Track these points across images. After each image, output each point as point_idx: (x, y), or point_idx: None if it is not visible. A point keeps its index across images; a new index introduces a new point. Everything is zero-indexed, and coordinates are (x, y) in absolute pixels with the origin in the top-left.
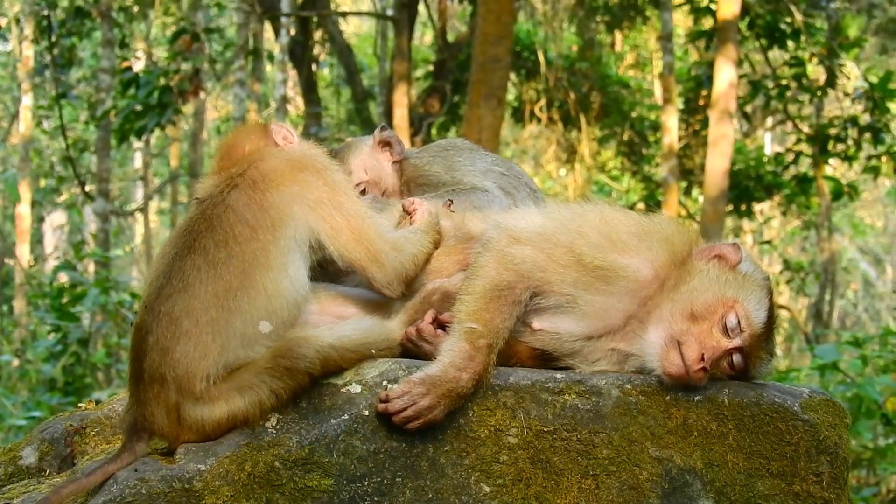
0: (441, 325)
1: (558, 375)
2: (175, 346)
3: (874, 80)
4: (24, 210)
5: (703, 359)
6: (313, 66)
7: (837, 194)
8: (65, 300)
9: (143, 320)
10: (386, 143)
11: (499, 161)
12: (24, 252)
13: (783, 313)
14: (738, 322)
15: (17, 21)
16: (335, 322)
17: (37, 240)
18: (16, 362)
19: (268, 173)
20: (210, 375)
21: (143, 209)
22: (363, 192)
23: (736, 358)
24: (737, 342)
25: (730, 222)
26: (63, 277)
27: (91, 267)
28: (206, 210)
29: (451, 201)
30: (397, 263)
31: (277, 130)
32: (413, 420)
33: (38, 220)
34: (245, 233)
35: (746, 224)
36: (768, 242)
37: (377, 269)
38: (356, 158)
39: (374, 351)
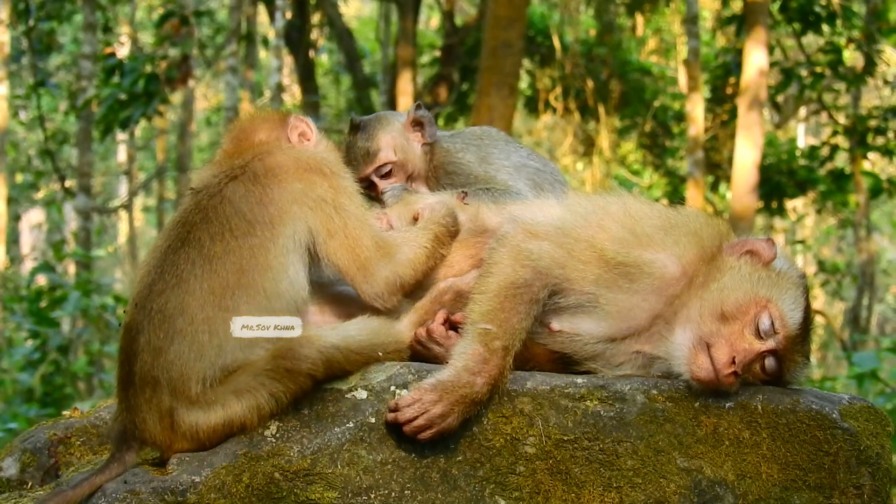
0: (453, 325)
1: (579, 380)
2: (169, 346)
3: None
4: None
5: (734, 362)
6: (311, 52)
7: (876, 191)
8: (43, 304)
9: (133, 319)
10: (419, 123)
11: (533, 155)
12: None
13: (818, 319)
14: (772, 323)
15: None
16: (339, 322)
17: (13, 239)
18: None
19: (272, 168)
20: (206, 378)
21: (128, 206)
22: (388, 174)
23: (769, 361)
24: (770, 344)
25: (760, 220)
26: (41, 280)
27: (71, 268)
28: (201, 201)
29: (465, 193)
30: (388, 273)
31: (295, 125)
32: (425, 429)
33: (15, 218)
34: (242, 227)
35: (778, 222)
36: (802, 242)
37: (363, 279)
38: (386, 135)
39: (380, 353)
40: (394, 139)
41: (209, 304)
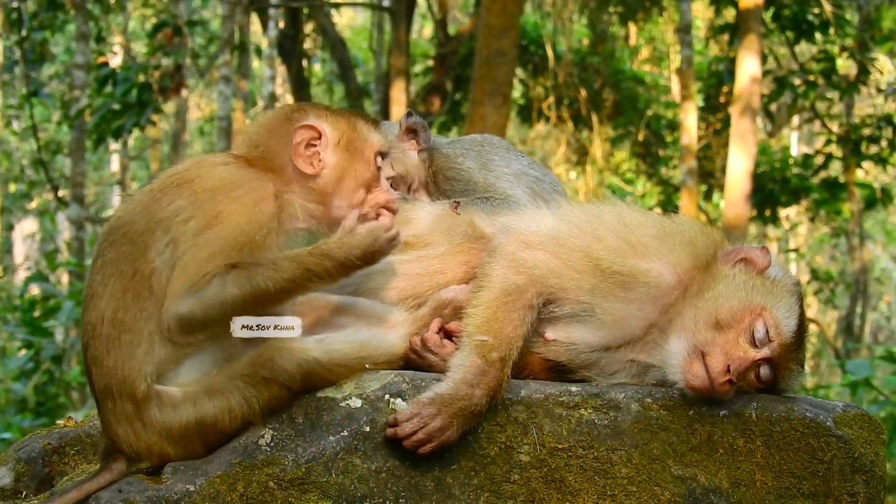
0: (447, 334)
1: (573, 389)
2: (105, 353)
3: None
4: None
5: (729, 371)
6: (304, 61)
7: (870, 202)
8: (37, 314)
9: (83, 339)
10: (412, 131)
11: (534, 165)
12: None
13: (811, 327)
14: (767, 331)
15: None
16: (326, 333)
17: (6, 249)
18: None
19: (175, 182)
20: (146, 374)
21: None
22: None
23: (764, 370)
24: (765, 353)
25: (753, 228)
26: (35, 289)
27: (65, 278)
28: (112, 215)
29: (458, 203)
30: (174, 315)
31: (301, 136)
32: (425, 443)
33: (8, 227)
34: (130, 236)
35: (771, 231)
36: (795, 250)
37: (169, 305)
38: None
39: (368, 365)
40: (390, 154)
41: (118, 308)
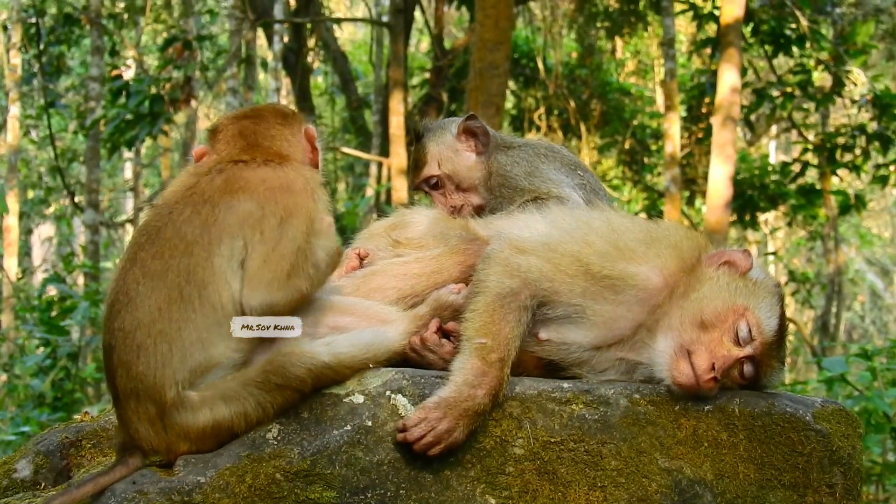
0: (446, 334)
1: (565, 385)
2: (135, 359)
3: (881, 87)
4: (11, 222)
5: (713, 368)
6: (307, 74)
7: (845, 208)
8: (54, 313)
9: (105, 339)
10: (471, 134)
11: (586, 177)
12: (11, 265)
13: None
14: (750, 330)
15: (5, 28)
16: (332, 336)
17: (25, 252)
18: (4, 377)
19: (232, 189)
20: (178, 381)
21: (134, 220)
22: (437, 185)
23: (747, 367)
24: (748, 351)
25: (734, 232)
26: (52, 290)
27: (80, 280)
28: (150, 220)
29: (455, 208)
30: (268, 299)
31: (309, 134)
32: (434, 445)
33: (27, 232)
34: (180, 247)
35: (751, 235)
36: (773, 253)
37: (258, 293)
38: (434, 147)
39: (371, 365)
40: (440, 152)
41: (159, 318)
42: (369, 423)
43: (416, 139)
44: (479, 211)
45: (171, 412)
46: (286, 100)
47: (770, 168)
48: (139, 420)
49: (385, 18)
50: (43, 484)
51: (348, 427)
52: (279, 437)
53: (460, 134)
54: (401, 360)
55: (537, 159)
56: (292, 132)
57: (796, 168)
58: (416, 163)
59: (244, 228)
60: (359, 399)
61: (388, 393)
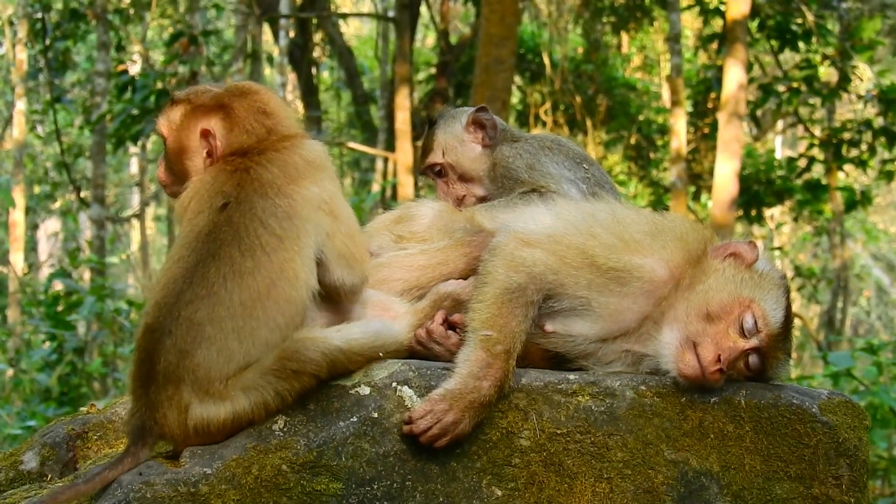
0: (451, 325)
1: (571, 377)
2: (196, 349)
3: (887, 82)
4: (17, 217)
5: (719, 360)
6: (313, 69)
7: (851, 203)
8: (60, 308)
9: (157, 322)
10: (479, 126)
11: (591, 171)
12: (17, 260)
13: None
14: (755, 322)
15: (11, 24)
16: (342, 324)
17: (31, 247)
18: (10, 372)
19: (293, 176)
20: (229, 377)
21: (140, 215)
22: (439, 174)
23: (753, 359)
24: (754, 342)
25: (740, 228)
26: (58, 285)
27: (87, 274)
28: (231, 217)
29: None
30: (366, 268)
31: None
32: (440, 437)
33: (32, 227)
34: (272, 243)
35: (757, 230)
36: (779, 249)
37: (353, 271)
38: (442, 136)
39: (381, 354)
40: (445, 141)
41: (240, 315)
42: (375, 415)
43: (429, 125)
44: (483, 202)
45: (197, 403)
46: (292, 94)
47: (776, 163)
48: (170, 406)
49: (391, 13)
50: (49, 476)
51: (354, 418)
52: (285, 429)
53: (469, 125)
54: (407, 353)
55: (541, 152)
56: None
57: (802, 163)
58: (423, 148)
59: (319, 213)
60: (365, 390)
61: (394, 384)
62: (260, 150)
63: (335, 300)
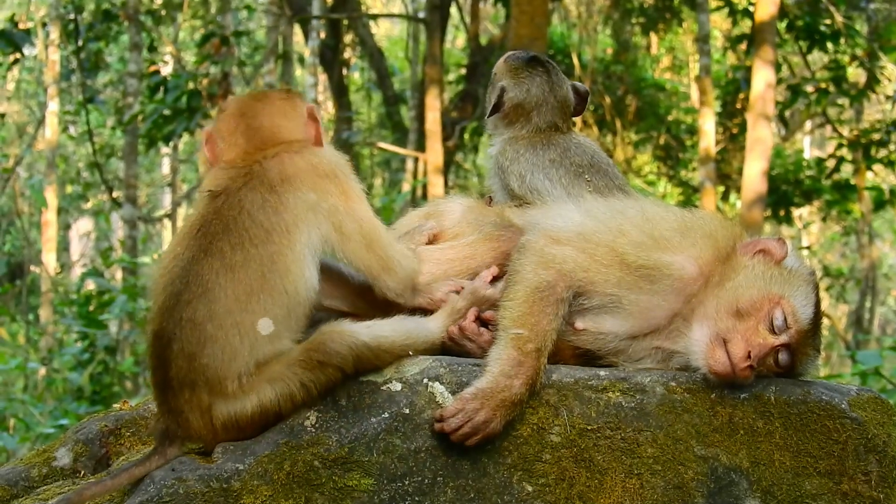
0: (483, 322)
1: (602, 373)
2: (201, 350)
3: None
4: (50, 217)
5: (749, 356)
6: (344, 70)
7: (879, 203)
8: (92, 307)
9: (162, 328)
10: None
11: (599, 182)
12: (50, 260)
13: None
14: (785, 319)
15: (44, 25)
16: (375, 320)
17: (63, 247)
18: (43, 371)
19: (288, 176)
20: (241, 374)
21: (172, 215)
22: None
23: (782, 355)
24: (783, 339)
25: (768, 227)
26: (90, 285)
27: (119, 274)
28: (220, 209)
29: (490, 198)
30: (410, 270)
31: (312, 115)
32: (471, 436)
33: (65, 227)
34: (260, 235)
35: (785, 230)
36: (808, 248)
37: (389, 277)
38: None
39: (411, 352)
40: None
41: (236, 309)
42: (407, 411)
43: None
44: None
45: (221, 402)
46: (323, 95)
47: (804, 164)
48: (191, 410)
49: (421, 14)
50: (82, 472)
51: (386, 414)
52: (317, 425)
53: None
54: (439, 349)
55: (538, 165)
56: (297, 113)
57: (831, 164)
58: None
59: (316, 216)
60: (396, 387)
61: (425, 380)
62: (265, 154)
63: (400, 305)
